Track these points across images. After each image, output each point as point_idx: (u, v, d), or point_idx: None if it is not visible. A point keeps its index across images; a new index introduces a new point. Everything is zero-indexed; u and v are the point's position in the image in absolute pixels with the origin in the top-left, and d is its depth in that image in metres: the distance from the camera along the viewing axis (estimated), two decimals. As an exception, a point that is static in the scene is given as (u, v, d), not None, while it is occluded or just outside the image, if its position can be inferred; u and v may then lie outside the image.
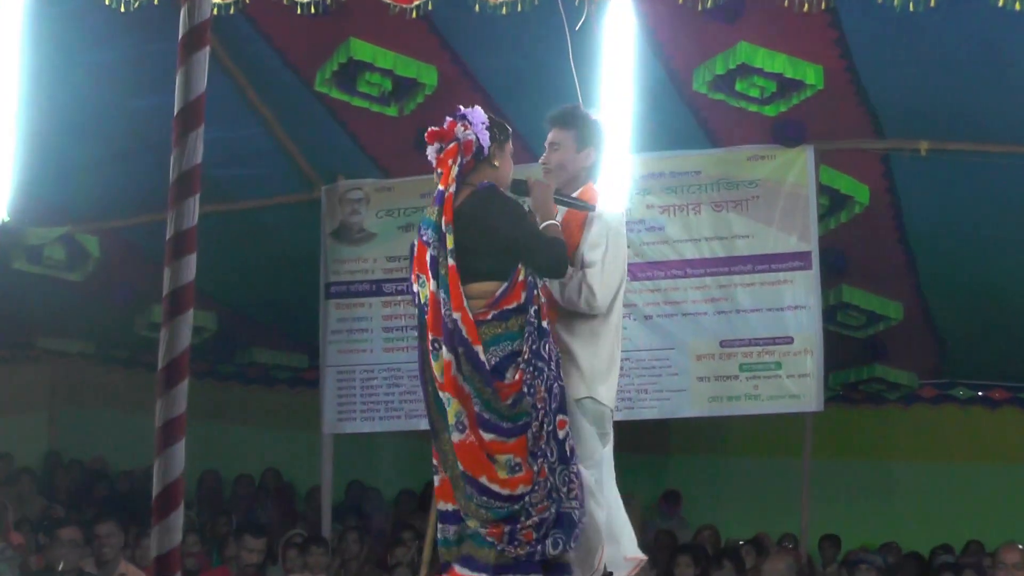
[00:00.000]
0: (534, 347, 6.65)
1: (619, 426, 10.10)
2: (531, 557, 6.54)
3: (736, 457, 17.89)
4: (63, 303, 15.54)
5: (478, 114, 7.10)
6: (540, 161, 7.81)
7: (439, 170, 7.01)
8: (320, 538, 13.17)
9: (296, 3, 10.23)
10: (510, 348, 6.63)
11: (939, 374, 17.90)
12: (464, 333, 6.59)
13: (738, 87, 11.58)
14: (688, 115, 12.47)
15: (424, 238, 6.96)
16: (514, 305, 6.72)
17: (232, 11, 10.36)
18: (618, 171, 10.64)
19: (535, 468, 6.55)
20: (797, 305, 12.55)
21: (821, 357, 12.56)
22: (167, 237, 4.77)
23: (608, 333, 7.51)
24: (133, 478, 15.93)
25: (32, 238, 13.75)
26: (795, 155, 12.50)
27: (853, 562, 12.51)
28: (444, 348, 6.67)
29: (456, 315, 6.61)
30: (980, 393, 18.45)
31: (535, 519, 6.50)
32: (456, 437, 6.64)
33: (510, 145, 7.45)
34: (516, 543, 6.50)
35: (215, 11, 9.94)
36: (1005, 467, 17.77)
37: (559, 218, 7.37)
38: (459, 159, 6.94)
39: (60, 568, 11.21)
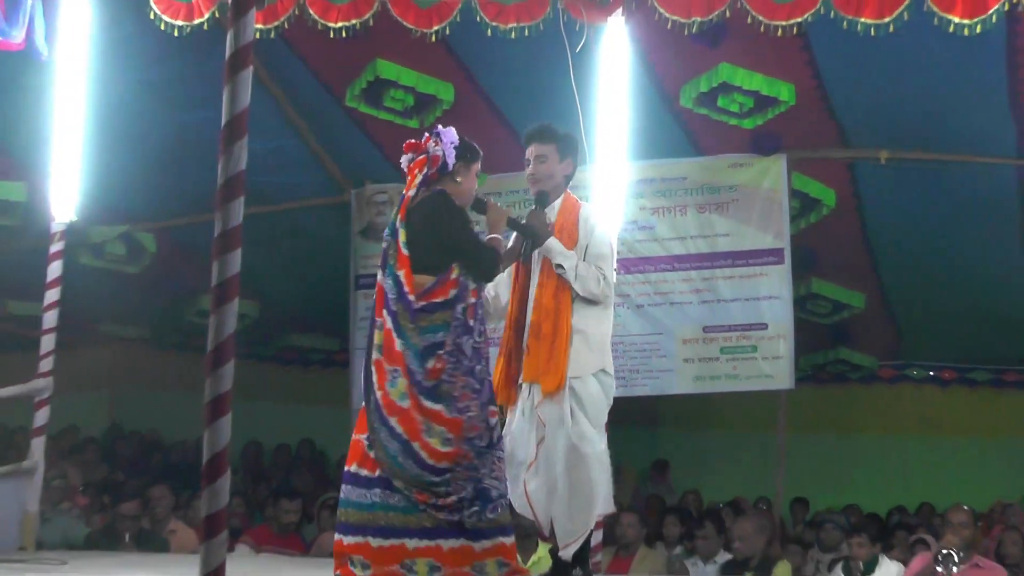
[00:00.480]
0: (456, 341, 6.69)
1: (616, 402, 10.12)
2: (453, 524, 6.52)
3: (718, 430, 17.90)
4: (122, 293, 15.55)
5: (450, 134, 7.26)
6: (528, 172, 8.04)
7: (407, 176, 7.21)
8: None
9: (328, 28, 10.23)
10: (433, 339, 6.67)
11: (896, 356, 17.91)
12: (407, 316, 6.70)
13: (720, 103, 11.61)
14: (676, 127, 12.48)
15: (385, 234, 7.10)
16: (440, 300, 6.76)
17: (272, 35, 10.38)
18: (614, 177, 10.63)
19: (464, 449, 6.57)
20: (771, 295, 12.60)
21: (792, 341, 12.62)
22: (215, 235, 4.76)
23: (608, 315, 7.76)
24: (185, 448, 15.92)
25: (95, 236, 13.79)
26: (770, 163, 12.53)
27: (819, 522, 12.49)
28: (388, 325, 6.77)
29: (410, 298, 6.71)
30: (932, 373, 18.48)
31: (453, 498, 6.49)
32: (402, 403, 6.65)
33: (477, 166, 7.53)
34: (439, 509, 6.49)
35: (257, 35, 9.94)
36: (954, 439, 17.79)
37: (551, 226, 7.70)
38: (425, 170, 7.13)
39: (127, 539, 11.24)
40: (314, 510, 13.14)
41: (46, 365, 10.30)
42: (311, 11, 10.19)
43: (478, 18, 10.06)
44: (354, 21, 10.21)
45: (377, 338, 6.87)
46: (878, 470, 17.19)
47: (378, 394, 6.85)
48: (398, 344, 6.71)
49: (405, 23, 10.19)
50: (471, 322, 6.81)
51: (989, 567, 10.48)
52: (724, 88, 11.45)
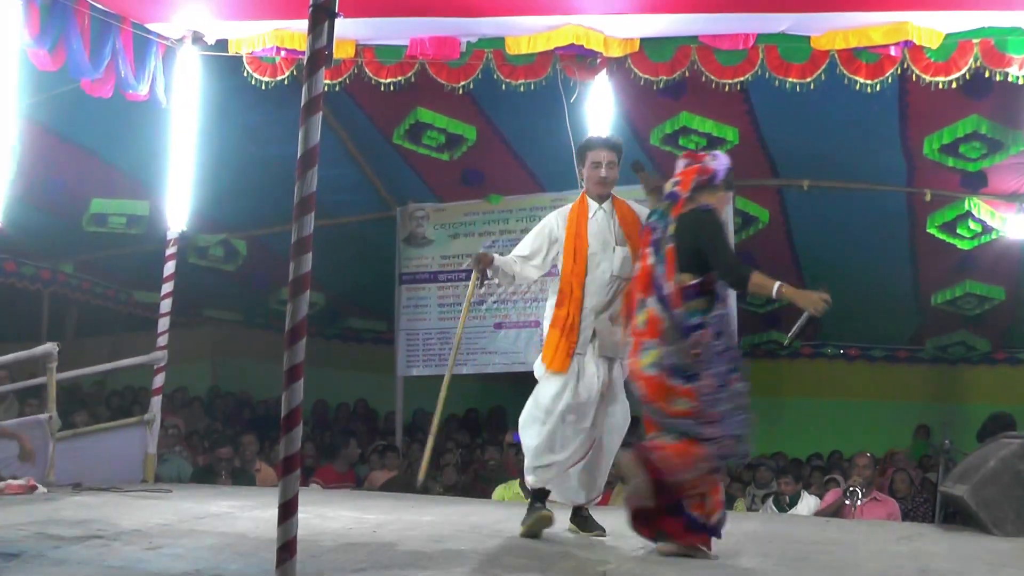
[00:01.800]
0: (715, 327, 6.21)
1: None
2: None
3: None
4: (221, 286, 15.64)
5: (725, 159, 6.76)
6: (603, 174, 7.52)
7: (679, 178, 6.68)
8: (394, 446, 13.17)
9: (380, 83, 10.23)
10: (698, 320, 6.17)
11: (814, 338, 17.89)
12: (671, 297, 6.24)
13: (681, 142, 11.62)
14: (647, 162, 12.42)
15: (651, 224, 6.69)
16: (696, 292, 6.27)
17: (337, 88, 10.40)
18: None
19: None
20: (719, 290, 12.56)
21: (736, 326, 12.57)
22: (292, 241, 4.74)
23: None
24: (268, 405, 15.90)
25: (200, 241, 13.89)
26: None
27: (755, 465, 12.43)
28: (651, 303, 6.31)
29: (670, 283, 6.27)
30: (841, 351, 18.51)
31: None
32: (650, 372, 6.20)
33: (730, 194, 7.30)
34: None
35: (326, 88, 9.91)
36: (857, 402, 17.78)
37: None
38: (699, 177, 6.62)
39: (223, 475, 11.26)
40: (367, 454, 13.10)
41: (163, 340, 10.37)
42: (367, 70, 10.23)
43: (495, 76, 10.10)
44: (400, 78, 10.24)
45: (640, 319, 6.39)
46: (800, 425, 17.14)
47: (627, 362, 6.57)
48: (662, 323, 6.24)
49: (439, 80, 10.22)
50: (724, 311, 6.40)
51: (884, 500, 10.48)
52: (684, 131, 11.50)
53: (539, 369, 7.25)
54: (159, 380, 10.45)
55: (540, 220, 7.76)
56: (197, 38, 10.33)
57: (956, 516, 8.68)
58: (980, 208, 12.29)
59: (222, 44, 10.41)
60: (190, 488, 10.10)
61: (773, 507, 10.93)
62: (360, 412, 16.97)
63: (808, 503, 10.77)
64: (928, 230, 12.79)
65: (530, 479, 7.07)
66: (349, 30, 9.95)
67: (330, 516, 7.49)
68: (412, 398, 14.80)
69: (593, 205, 7.44)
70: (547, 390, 7.08)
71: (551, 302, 7.30)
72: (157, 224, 11.45)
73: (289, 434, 4.65)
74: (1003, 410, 11.15)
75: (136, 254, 13.93)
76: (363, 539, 6.40)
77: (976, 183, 12.09)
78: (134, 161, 12.23)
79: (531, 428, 7.09)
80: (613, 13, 9.64)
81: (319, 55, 4.97)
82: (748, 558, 6.26)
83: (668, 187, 6.76)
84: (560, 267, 7.32)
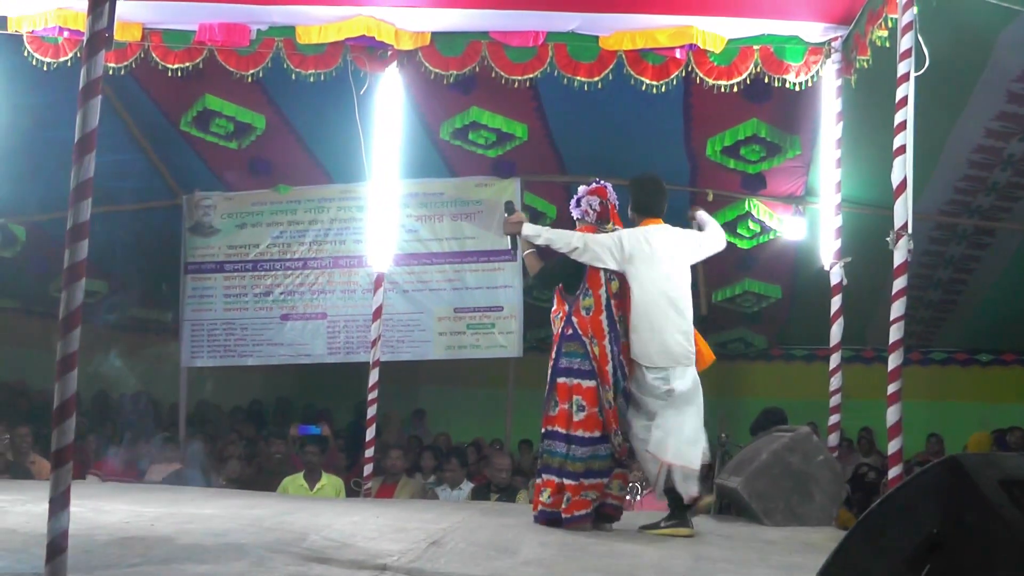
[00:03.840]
0: None
1: (385, 365, 10.05)
2: None
3: (463, 387, 17.87)
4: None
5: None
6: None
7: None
8: (176, 438, 12.97)
9: (167, 68, 10.04)
10: None
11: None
12: None
13: (470, 136, 11.73)
14: (436, 155, 12.50)
15: None
16: None
17: (123, 72, 10.14)
18: (388, 191, 10.61)
19: None
20: (506, 285, 12.82)
21: (521, 320, 12.89)
22: (68, 227, 4.62)
23: None
24: (45, 396, 15.44)
25: (-23, 227, 13.41)
26: (508, 184, 12.67)
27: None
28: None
29: None
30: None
31: None
32: None
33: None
34: None
35: (110, 72, 9.72)
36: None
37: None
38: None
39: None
40: (148, 446, 12.82)
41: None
42: (154, 55, 10.02)
43: (285, 65, 10.01)
44: (188, 64, 10.05)
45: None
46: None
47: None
48: None
49: (228, 67, 10.08)
50: None
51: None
52: (474, 125, 11.58)
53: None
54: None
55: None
56: (-27, 14, 9.98)
57: (731, 507, 8.90)
58: (759, 209, 12.66)
59: (1, 21, 10.05)
60: (-41, 481, 9.75)
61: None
62: (143, 403, 16.61)
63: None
64: (710, 229, 13.09)
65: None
66: (136, 13, 9.74)
67: (107, 510, 7.30)
68: (196, 390, 14.58)
69: None
70: None
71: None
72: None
73: (61, 425, 4.52)
74: (775, 405, 11.44)
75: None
76: (140, 533, 6.26)
77: (755, 185, 12.46)
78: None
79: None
80: (405, 6, 9.64)
81: (99, 37, 4.84)
82: (529, 548, 6.32)
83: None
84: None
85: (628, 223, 7.88)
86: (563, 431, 7.31)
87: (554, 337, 7.45)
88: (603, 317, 7.36)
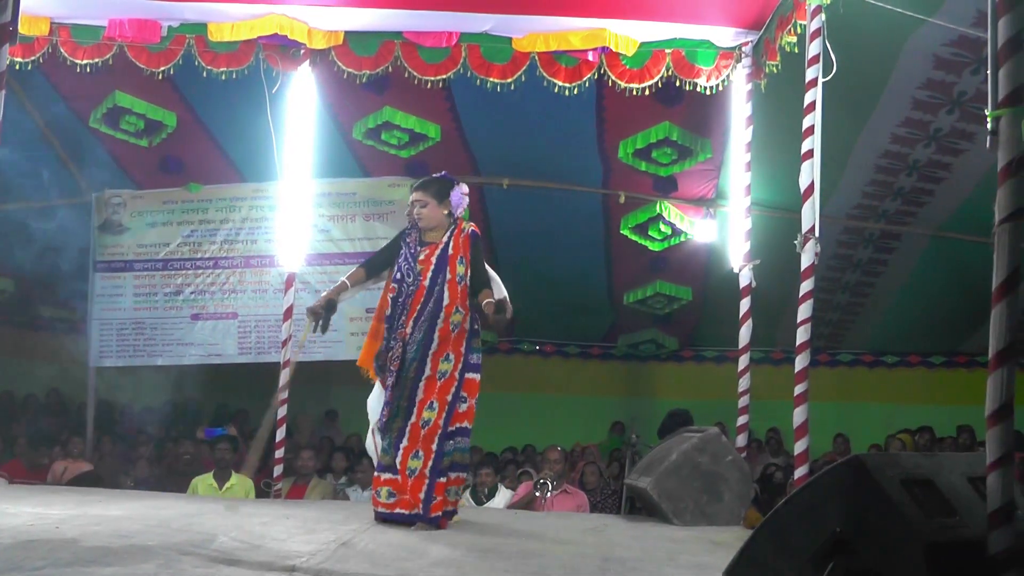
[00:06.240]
0: None
1: (297, 365, 10.00)
2: None
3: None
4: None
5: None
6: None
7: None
8: (84, 438, 12.81)
9: (76, 64, 9.95)
10: None
11: (512, 334, 17.94)
12: None
13: (383, 137, 11.74)
14: (349, 154, 12.49)
15: None
16: None
17: (30, 67, 10.03)
18: (300, 191, 10.56)
19: None
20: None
21: (433, 321, 12.72)
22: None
23: None
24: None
25: None
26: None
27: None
28: None
29: None
30: (537, 347, 18.58)
31: None
32: None
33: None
34: None
35: (17, 66, 9.59)
36: (550, 396, 18.03)
37: None
38: None
39: None
40: (53, 448, 12.67)
41: None
42: (62, 50, 9.94)
43: (197, 62, 9.97)
44: (97, 60, 9.96)
45: None
46: (495, 419, 17.29)
47: None
48: None
49: (138, 64, 10.04)
50: None
51: (574, 492, 10.72)
52: (387, 125, 11.59)
53: None
54: None
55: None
56: None
57: (641, 507, 8.96)
58: (670, 211, 12.76)
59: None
60: None
61: (470, 499, 11.04)
62: (51, 403, 16.39)
63: (503, 495, 10.92)
64: (622, 231, 13.20)
65: None
66: (43, 6, 9.67)
67: (10, 512, 7.19)
68: (105, 390, 14.40)
69: None
70: None
71: None
72: None
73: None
74: (681, 406, 11.55)
75: None
76: (44, 535, 6.17)
77: (667, 187, 12.57)
78: None
79: None
80: (318, 5, 9.62)
81: (3, 30, 4.77)
82: (438, 548, 6.33)
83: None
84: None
85: None
86: (470, 427, 7.36)
87: (458, 334, 7.40)
88: None
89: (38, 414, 15.79)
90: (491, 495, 10.92)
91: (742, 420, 9.52)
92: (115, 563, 5.33)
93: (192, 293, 13.15)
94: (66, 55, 9.97)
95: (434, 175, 7.74)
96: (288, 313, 10.51)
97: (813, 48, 7.91)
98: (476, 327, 7.41)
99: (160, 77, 10.31)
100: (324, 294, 7.69)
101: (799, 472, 7.72)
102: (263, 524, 7.07)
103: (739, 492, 8.20)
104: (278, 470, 10.25)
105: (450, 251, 7.46)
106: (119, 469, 12.13)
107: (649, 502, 8.41)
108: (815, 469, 7.60)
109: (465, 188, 7.72)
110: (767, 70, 9.32)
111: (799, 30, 8.36)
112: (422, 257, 7.45)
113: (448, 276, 7.37)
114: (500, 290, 7.51)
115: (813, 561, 3.12)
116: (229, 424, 14.00)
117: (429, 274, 7.37)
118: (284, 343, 10.41)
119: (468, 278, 7.43)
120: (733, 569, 3.30)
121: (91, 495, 9.10)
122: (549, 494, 10.20)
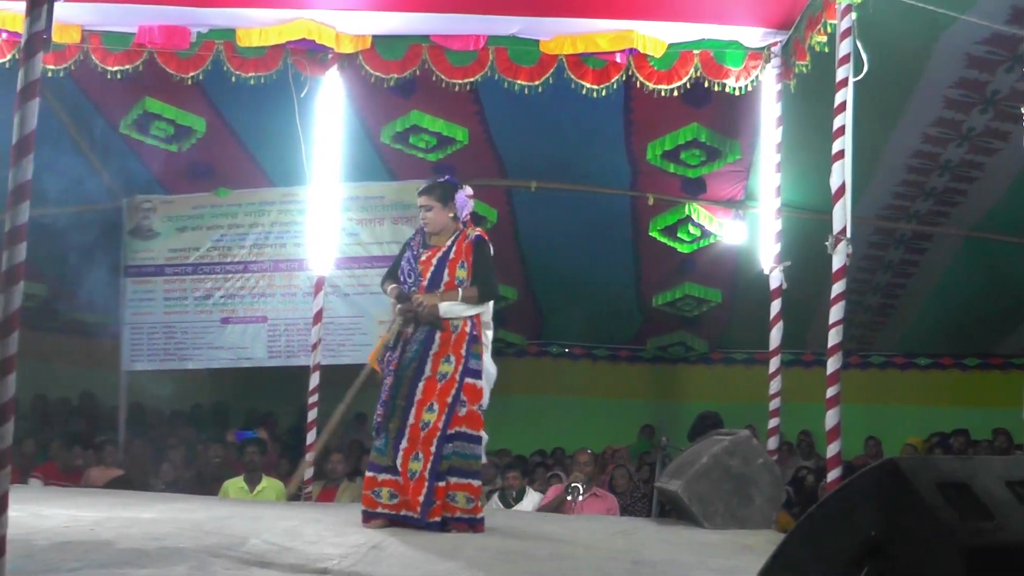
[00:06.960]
0: None
1: (326, 368, 10.00)
2: None
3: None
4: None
5: None
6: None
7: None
8: (115, 442, 12.84)
9: (107, 71, 9.98)
10: None
11: (540, 337, 18.12)
12: None
13: (411, 140, 11.75)
14: (376, 158, 12.50)
15: None
16: None
17: (62, 75, 10.10)
18: (329, 194, 10.57)
19: None
20: (446, 289, 12.72)
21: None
22: (6, 230, 4.58)
23: None
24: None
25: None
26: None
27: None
28: None
29: None
30: (566, 350, 18.74)
31: None
32: None
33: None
34: None
35: (49, 74, 9.64)
36: (580, 399, 18.06)
37: None
38: None
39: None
40: (87, 451, 12.72)
41: None
42: (94, 57, 9.97)
43: (225, 68, 9.98)
44: (127, 66, 10.00)
45: None
46: (524, 422, 17.32)
47: None
48: None
49: (168, 70, 10.05)
50: None
51: (603, 495, 10.69)
52: (414, 129, 11.62)
53: None
54: None
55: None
56: (-87, 12, 9.86)
57: (671, 510, 8.93)
58: (699, 213, 12.73)
59: (-63, 23, 9.95)
60: None
61: (499, 502, 11.03)
62: (83, 407, 16.47)
63: (532, 498, 10.90)
64: (650, 233, 13.18)
65: None
66: (75, 14, 9.68)
67: (46, 514, 7.24)
68: (137, 393, 14.47)
69: None
70: None
71: None
72: None
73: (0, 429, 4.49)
74: (710, 409, 11.51)
75: None
76: (79, 537, 6.20)
77: (696, 189, 12.54)
78: None
79: None
80: (345, 9, 9.62)
81: (37, 39, 4.78)
82: (469, 553, 6.32)
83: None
84: None
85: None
86: (475, 432, 7.29)
87: (458, 337, 7.38)
88: None
89: (71, 417, 15.87)
90: (519, 498, 10.91)
91: (773, 423, 9.46)
92: (149, 565, 5.36)
93: (222, 297, 13.21)
94: (97, 62, 10.00)
95: (438, 179, 7.73)
96: (317, 317, 10.52)
97: (844, 47, 7.87)
98: (476, 333, 7.38)
99: (189, 83, 10.37)
100: (395, 297, 7.55)
101: (832, 475, 7.69)
102: (294, 527, 7.08)
103: (770, 495, 8.16)
104: (309, 473, 10.28)
105: (451, 255, 7.46)
106: (150, 471, 12.17)
107: (679, 505, 8.38)
108: (848, 472, 7.57)
109: (470, 190, 7.74)
110: (796, 70, 9.27)
111: (829, 29, 8.32)
112: (423, 259, 7.46)
113: (447, 279, 7.36)
114: (479, 301, 7.44)
115: (847, 565, 3.11)
116: (259, 428, 14.03)
117: (429, 275, 7.38)
118: (314, 346, 10.41)
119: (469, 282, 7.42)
120: (766, 573, 3.28)
121: (124, 497, 9.14)
122: (580, 497, 10.18)
